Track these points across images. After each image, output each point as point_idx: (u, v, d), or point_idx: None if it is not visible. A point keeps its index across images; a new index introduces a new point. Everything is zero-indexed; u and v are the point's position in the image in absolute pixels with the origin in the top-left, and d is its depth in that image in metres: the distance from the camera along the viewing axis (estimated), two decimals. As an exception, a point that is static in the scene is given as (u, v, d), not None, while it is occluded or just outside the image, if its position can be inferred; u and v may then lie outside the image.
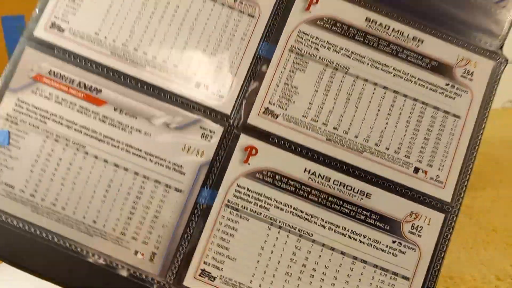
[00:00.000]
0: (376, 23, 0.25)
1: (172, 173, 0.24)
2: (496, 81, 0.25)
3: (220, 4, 0.25)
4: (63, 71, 0.25)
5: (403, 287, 0.23)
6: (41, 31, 0.25)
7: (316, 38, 0.25)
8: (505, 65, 0.25)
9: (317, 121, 0.25)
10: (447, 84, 0.25)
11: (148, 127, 0.24)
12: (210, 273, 0.23)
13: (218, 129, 0.25)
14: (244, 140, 0.24)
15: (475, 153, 0.24)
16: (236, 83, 0.25)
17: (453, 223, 0.24)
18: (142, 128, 0.24)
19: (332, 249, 0.23)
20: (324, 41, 0.25)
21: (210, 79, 0.25)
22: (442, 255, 0.24)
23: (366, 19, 0.25)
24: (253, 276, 0.23)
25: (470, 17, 0.25)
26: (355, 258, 0.23)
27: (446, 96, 0.25)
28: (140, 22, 0.25)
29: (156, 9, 0.25)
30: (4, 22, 0.55)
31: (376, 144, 0.24)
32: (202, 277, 0.23)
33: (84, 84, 0.25)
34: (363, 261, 0.23)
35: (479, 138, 0.25)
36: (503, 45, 0.26)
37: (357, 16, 0.25)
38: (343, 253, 0.23)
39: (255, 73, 0.25)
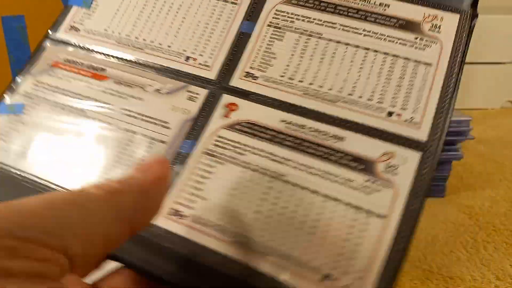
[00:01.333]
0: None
1: (159, 128, 0.33)
2: (465, 32, 0.32)
3: (208, -3, 0.37)
4: (77, 59, 0.37)
5: (378, 225, 0.28)
6: (61, 33, 0.39)
7: (292, 13, 0.35)
8: (475, 16, 0.33)
9: (293, 79, 0.33)
10: (416, 38, 0.33)
11: (142, 93, 0.35)
12: (181, 212, 0.30)
13: (203, 92, 0.34)
14: (226, 99, 0.33)
15: (452, 93, 0.31)
16: (221, 55, 0.35)
17: (433, 162, 0.29)
18: (136, 95, 0.35)
19: (304, 188, 0.30)
20: (299, 15, 0.35)
21: (199, 53, 0.35)
22: (421, 193, 0.28)
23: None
24: (223, 214, 0.30)
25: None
26: (326, 196, 0.29)
27: (416, 48, 0.33)
28: (142, 17, 0.38)
29: (155, 6, 0.38)
30: (4, 22, 0.68)
31: (349, 94, 0.32)
32: (171, 215, 0.30)
33: (92, 66, 0.36)
34: (335, 200, 0.29)
35: (455, 82, 0.31)
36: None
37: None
38: (314, 192, 0.29)
39: (238, 46, 0.35)
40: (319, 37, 0.34)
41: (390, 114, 0.31)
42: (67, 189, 0.32)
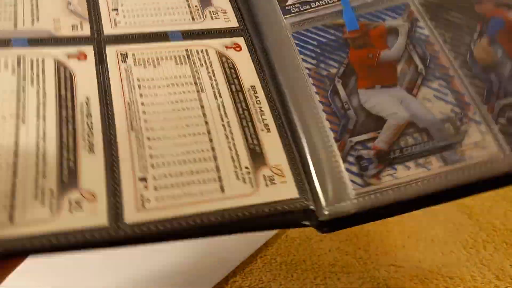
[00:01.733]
0: (255, 93, 0.33)
1: (29, 20, 0.34)
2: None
3: None
4: None
5: None
6: None
7: (209, 62, 0.34)
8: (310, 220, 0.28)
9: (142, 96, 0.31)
10: (246, 168, 0.29)
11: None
12: None
13: (86, 30, 0.34)
14: (87, 50, 0.33)
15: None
16: (134, 29, 0.35)
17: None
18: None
19: None
20: (211, 69, 0.34)
21: (124, 15, 0.35)
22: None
23: (251, 86, 0.33)
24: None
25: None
26: None
27: (235, 173, 0.29)
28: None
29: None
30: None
31: (148, 138, 0.29)
32: None
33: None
34: None
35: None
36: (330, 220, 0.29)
37: (250, 79, 0.33)
38: None
39: (152, 36, 0.34)
40: (198, 91, 0.32)
41: (143, 179, 0.28)
42: None
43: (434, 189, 0.29)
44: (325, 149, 0.31)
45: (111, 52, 0.33)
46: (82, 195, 0.26)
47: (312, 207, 0.29)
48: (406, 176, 0.30)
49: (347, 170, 0.30)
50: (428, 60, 0.34)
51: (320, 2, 0.38)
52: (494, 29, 0.35)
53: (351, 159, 0.31)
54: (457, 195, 0.31)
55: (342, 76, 0.34)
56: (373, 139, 0.31)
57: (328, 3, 0.38)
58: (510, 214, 0.62)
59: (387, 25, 0.36)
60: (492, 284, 0.49)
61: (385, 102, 0.33)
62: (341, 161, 0.31)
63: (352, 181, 0.30)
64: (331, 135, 0.32)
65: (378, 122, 0.32)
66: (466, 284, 0.49)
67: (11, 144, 0.27)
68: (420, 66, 0.34)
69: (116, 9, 0.36)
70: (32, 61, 0.31)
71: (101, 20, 0.35)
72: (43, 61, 0.31)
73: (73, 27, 0.34)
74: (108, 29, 0.35)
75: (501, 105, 0.31)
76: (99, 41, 0.34)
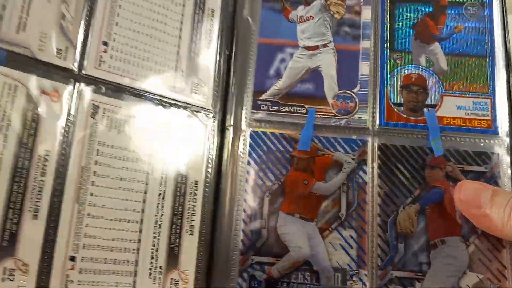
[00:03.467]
0: (196, 189, 0.37)
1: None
2: None
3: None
4: None
5: None
6: None
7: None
8: None
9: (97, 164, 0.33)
10: (160, 268, 0.34)
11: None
12: None
13: (65, 77, 0.33)
14: (62, 88, 0.33)
15: None
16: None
17: None
18: None
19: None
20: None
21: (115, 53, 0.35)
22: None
23: (195, 181, 0.37)
24: None
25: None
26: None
27: (149, 271, 0.34)
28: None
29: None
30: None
31: (89, 215, 0.32)
32: None
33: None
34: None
35: None
36: None
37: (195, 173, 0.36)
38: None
39: (130, 92, 0.35)
40: (148, 173, 0.35)
41: (73, 258, 0.31)
42: None
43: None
44: (229, 259, 0.36)
45: (85, 99, 0.33)
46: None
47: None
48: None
49: (238, 284, 0.36)
50: (353, 208, 0.38)
51: (289, 108, 0.41)
52: (429, 200, 0.39)
53: (245, 275, 0.36)
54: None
55: (273, 192, 0.38)
56: (271, 264, 0.36)
57: (296, 112, 0.41)
58: (509, 215, 0.71)
59: (335, 157, 0.40)
60: (491, 284, 0.55)
61: (296, 233, 0.38)
62: (236, 275, 0.36)
63: (238, 298, 0.35)
64: (239, 246, 0.37)
65: (282, 250, 0.37)
66: (465, 284, 0.56)
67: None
68: (343, 211, 0.38)
69: (106, 43, 0.35)
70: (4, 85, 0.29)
71: (88, 53, 0.34)
72: (15, 89, 0.30)
73: (58, 51, 0.32)
74: (90, 68, 0.34)
75: (393, 276, 0.36)
76: (77, 80, 0.33)
